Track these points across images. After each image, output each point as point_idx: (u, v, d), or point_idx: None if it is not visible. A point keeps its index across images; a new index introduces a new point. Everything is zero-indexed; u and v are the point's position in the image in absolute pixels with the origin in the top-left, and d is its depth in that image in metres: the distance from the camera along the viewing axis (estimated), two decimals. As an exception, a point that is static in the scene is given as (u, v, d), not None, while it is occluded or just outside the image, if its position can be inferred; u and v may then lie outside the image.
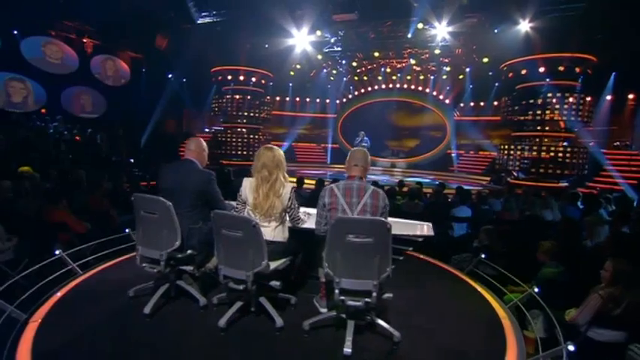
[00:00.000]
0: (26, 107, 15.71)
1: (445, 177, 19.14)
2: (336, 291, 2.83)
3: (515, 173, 16.51)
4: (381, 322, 3.14)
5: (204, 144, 3.67)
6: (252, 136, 19.67)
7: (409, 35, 16.47)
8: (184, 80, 20.21)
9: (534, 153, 15.83)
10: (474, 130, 20.45)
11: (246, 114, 19.34)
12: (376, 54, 18.94)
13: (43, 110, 16.40)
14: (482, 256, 4.77)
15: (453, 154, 21.45)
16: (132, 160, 14.76)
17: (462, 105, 21.37)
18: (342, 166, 15.23)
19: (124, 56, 18.73)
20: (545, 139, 15.96)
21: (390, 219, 3.04)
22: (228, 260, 3.07)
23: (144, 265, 3.38)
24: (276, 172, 3.22)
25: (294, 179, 9.84)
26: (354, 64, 20.72)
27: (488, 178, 17.75)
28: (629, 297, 3.24)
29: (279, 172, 3.24)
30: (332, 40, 18.01)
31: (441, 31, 15.90)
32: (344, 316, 3.08)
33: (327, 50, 18.95)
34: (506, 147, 16.90)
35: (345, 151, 16.90)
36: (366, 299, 2.82)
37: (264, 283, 3.16)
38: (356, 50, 19.07)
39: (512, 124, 17.10)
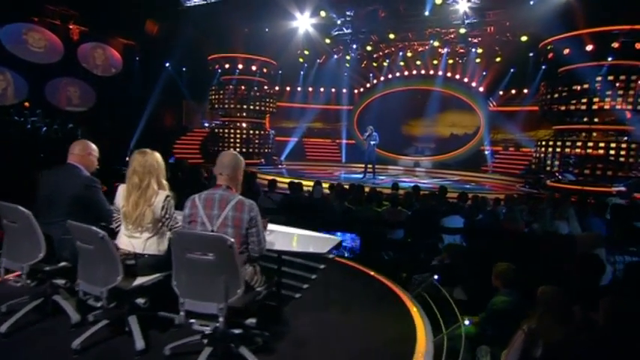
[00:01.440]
0: (5, 100, 15.28)
1: (476, 178, 17.51)
2: (182, 313, 2.76)
3: (559, 175, 14.38)
4: (246, 352, 2.97)
5: (93, 147, 3.59)
6: (254, 132, 18.60)
7: (426, 13, 14.67)
8: (184, 69, 19.38)
9: (580, 150, 13.63)
10: (513, 122, 18.44)
11: (245, 107, 18.21)
12: (391, 36, 17.22)
13: (27, 104, 15.95)
14: (435, 277, 4.43)
15: (486, 152, 19.49)
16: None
17: (500, 93, 19.29)
18: (360, 164, 15.76)
19: (115, 43, 18.09)
20: (594, 134, 13.78)
21: (296, 230, 3.42)
22: (84, 275, 3.06)
23: (8, 278, 3.38)
24: (147, 179, 3.14)
25: (287, 180, 9.24)
26: (369, 48, 19.10)
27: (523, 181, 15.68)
28: (554, 334, 2.65)
29: (152, 179, 3.16)
30: (339, 22, 16.53)
31: (464, 5, 13.99)
32: (205, 341, 2.97)
33: (335, 33, 17.50)
34: (546, 143, 14.74)
35: (363, 147, 15.89)
36: (217, 324, 2.71)
37: (132, 301, 3.07)
38: (369, 32, 17.47)
39: (552, 116, 14.92)
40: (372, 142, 14.41)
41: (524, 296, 3.57)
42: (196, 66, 18.83)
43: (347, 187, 9.04)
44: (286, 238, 3.66)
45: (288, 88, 21.86)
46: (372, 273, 5.16)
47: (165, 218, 3.18)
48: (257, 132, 18.77)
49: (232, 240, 2.65)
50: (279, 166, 18.93)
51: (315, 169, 18.64)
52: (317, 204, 7.35)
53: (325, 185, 8.91)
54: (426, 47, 18.55)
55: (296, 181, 8.61)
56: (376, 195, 7.70)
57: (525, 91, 18.35)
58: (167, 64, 18.74)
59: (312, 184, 8.35)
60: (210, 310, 2.70)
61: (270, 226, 3.71)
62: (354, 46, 18.48)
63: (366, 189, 8.43)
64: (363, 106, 21.97)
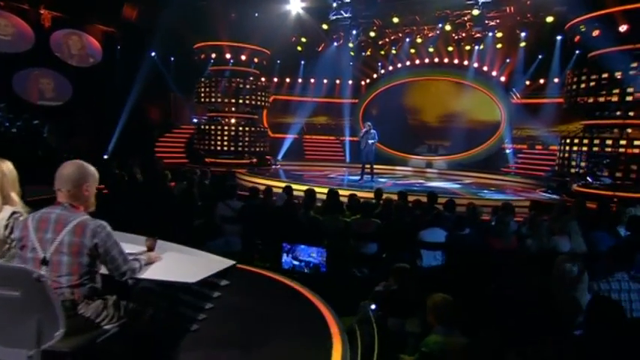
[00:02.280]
0: (-33, 94, 14.53)
1: (495, 181, 15.90)
2: None
3: (589, 178, 12.59)
4: None
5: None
6: (244, 128, 17.41)
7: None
8: (172, 59, 18.41)
9: (612, 149, 11.79)
10: (540, 117, 16.70)
11: (234, 101, 17.00)
12: (395, 20, 15.66)
13: (-6, 99, 15.16)
14: (373, 307, 3.96)
15: (507, 151, 17.78)
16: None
17: (527, 83, 17.50)
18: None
19: (94, 31, 17.18)
20: (629, 130, 11.87)
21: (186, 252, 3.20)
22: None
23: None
24: None
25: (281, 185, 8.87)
26: (372, 34, 17.53)
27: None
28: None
29: None
30: (334, 5, 15.14)
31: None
32: None
33: (333, 18, 16.12)
34: (571, 140, 12.89)
35: (361, 146, 14.45)
36: None
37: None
38: (370, 16, 15.96)
39: (579, 109, 13.05)
40: (370, 141, 13.10)
41: (468, 335, 3.24)
42: (185, 56, 17.81)
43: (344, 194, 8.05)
44: (170, 261, 3.09)
45: (288, 80, 20.70)
46: (306, 294, 4.52)
47: (10, 239, 2.81)
48: (248, 129, 17.50)
49: (40, 273, 2.35)
50: (274, 167, 17.76)
51: (314, 169, 17.47)
52: (281, 213, 6.63)
53: (322, 190, 8.22)
54: (437, 32, 16.82)
55: (287, 184, 8.34)
56: (356, 202, 7.20)
57: (556, 80, 16.41)
58: (153, 54, 17.69)
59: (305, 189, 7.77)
60: (17, 359, 2.34)
61: (161, 244, 3.24)
62: (355, 32, 17.05)
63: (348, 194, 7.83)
64: (369, 99, 20.58)
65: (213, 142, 17.07)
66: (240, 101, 17.24)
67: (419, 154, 19.10)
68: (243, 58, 17.17)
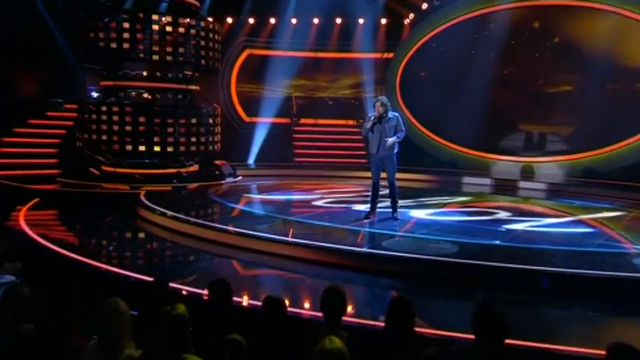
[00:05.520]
0: None
1: None
2: None
3: None
4: None
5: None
6: (172, 110, 10.86)
7: None
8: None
9: None
10: None
11: (156, 58, 10.50)
12: None
13: None
14: None
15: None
16: None
17: None
18: (414, 175, 11.60)
19: None
20: None
21: None
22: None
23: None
24: None
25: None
26: None
27: None
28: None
29: None
30: None
31: None
32: None
33: None
34: None
35: (413, 134, 11.91)
36: None
37: None
38: None
39: None
40: (388, 138, 7.00)
41: None
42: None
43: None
44: None
45: (272, 21, 13.95)
46: None
47: None
48: (182, 111, 10.83)
49: None
50: (228, 181, 11.11)
51: (305, 187, 10.69)
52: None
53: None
54: None
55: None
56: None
57: None
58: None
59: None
60: None
61: None
62: None
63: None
64: (409, 54, 13.82)
65: (108, 135, 10.35)
66: (155, 58, 10.40)
67: (509, 152, 12.94)
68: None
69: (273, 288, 5.14)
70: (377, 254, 5.44)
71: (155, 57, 10.33)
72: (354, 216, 7.59)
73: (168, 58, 10.35)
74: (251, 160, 13.27)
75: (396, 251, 5.54)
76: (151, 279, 3.68)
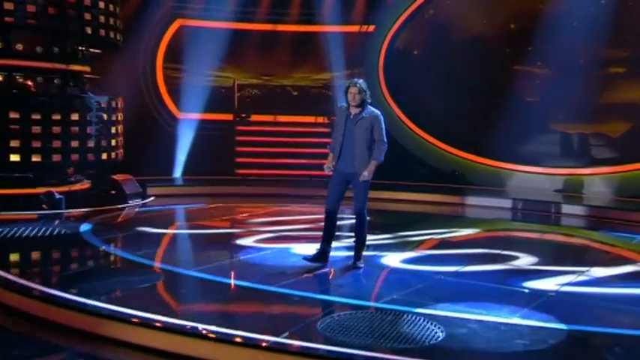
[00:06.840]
0: None
1: None
2: None
3: None
4: None
5: None
6: (46, 100, 8.44)
7: None
8: None
9: None
10: None
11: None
12: None
13: None
14: None
15: None
16: None
17: None
18: (401, 195, 10.14)
19: None
20: None
21: None
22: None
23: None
24: None
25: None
26: None
27: None
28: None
29: None
30: None
31: None
32: None
33: None
34: None
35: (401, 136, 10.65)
36: None
37: None
38: None
39: None
40: (365, 172, 5.01)
41: None
42: None
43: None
44: None
45: None
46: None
47: None
48: (63, 104, 8.44)
49: None
50: (133, 203, 8.65)
51: (245, 212, 8.45)
52: None
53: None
54: None
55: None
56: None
57: None
58: None
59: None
60: None
61: None
62: None
63: None
64: (398, 23, 11.64)
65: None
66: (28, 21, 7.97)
67: (537, 162, 10.85)
68: None
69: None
70: (296, 350, 2.98)
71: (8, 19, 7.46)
72: (288, 264, 5.07)
73: (30, 21, 7.50)
74: (178, 173, 10.69)
75: (338, 342, 3.12)
76: None
